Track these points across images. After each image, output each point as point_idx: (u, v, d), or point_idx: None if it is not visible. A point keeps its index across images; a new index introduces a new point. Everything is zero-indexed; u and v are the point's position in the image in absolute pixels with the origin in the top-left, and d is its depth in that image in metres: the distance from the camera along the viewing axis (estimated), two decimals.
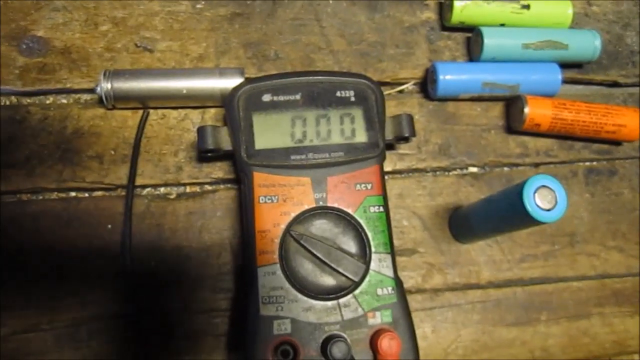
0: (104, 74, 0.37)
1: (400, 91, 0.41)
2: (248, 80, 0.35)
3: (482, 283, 0.38)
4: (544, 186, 0.29)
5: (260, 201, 0.33)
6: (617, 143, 0.42)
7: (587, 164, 0.42)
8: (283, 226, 0.32)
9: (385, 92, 0.41)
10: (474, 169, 0.40)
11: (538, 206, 0.28)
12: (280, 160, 0.33)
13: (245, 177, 0.33)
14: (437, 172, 0.40)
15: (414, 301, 0.37)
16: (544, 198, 0.29)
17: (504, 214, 0.32)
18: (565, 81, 0.42)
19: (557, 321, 0.38)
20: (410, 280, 0.38)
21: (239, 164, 0.34)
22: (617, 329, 0.39)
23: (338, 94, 0.35)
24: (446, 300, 0.38)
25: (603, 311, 0.39)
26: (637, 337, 0.39)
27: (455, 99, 0.41)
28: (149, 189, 0.37)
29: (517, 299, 0.38)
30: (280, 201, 0.33)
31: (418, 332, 0.36)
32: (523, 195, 0.28)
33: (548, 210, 0.28)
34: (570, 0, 0.43)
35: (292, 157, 0.34)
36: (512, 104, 0.41)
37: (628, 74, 0.44)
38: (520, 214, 0.29)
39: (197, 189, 0.38)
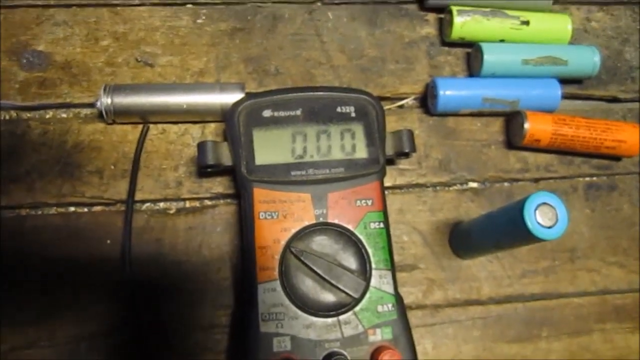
0: (104, 89, 0.37)
1: (401, 106, 0.41)
2: (248, 96, 0.35)
3: (483, 299, 0.38)
4: (545, 203, 0.29)
5: (261, 217, 0.32)
6: (616, 158, 0.42)
7: (587, 179, 0.42)
8: (283, 242, 0.32)
9: (386, 107, 0.41)
10: (474, 185, 0.40)
11: (539, 223, 0.28)
12: (281, 176, 0.33)
13: (245, 192, 0.33)
14: (438, 188, 0.40)
15: (414, 317, 0.37)
16: (544, 215, 0.28)
17: (505, 230, 0.32)
18: (565, 96, 0.42)
19: (558, 337, 0.38)
20: (410, 296, 0.38)
21: (239, 180, 0.34)
22: (619, 345, 0.39)
23: (338, 109, 0.35)
24: (447, 316, 0.38)
25: (604, 327, 0.39)
26: (638, 353, 0.38)
27: (456, 114, 0.41)
28: (148, 204, 0.37)
29: (518, 315, 0.38)
30: (281, 217, 0.33)
31: (418, 349, 0.36)
32: (524, 212, 0.28)
33: (549, 227, 0.28)
34: (570, 16, 0.43)
35: (293, 172, 0.34)
36: (512, 119, 0.41)
37: (627, 89, 0.44)
38: (521, 231, 0.29)
39: (197, 204, 0.38)
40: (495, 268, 0.39)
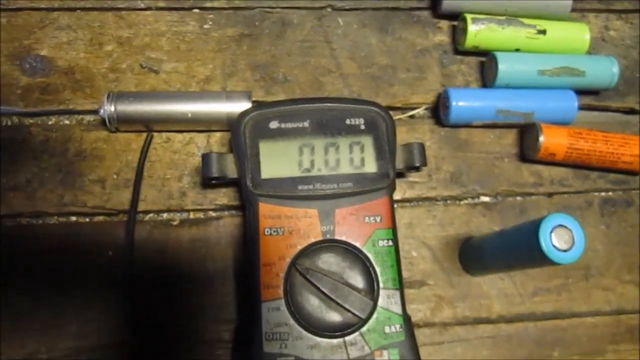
0: (108, 97, 0.36)
1: (412, 116, 0.40)
2: (255, 107, 0.34)
3: (493, 317, 0.37)
4: (561, 225, 0.28)
5: (266, 233, 0.32)
6: (634, 173, 0.41)
7: (603, 194, 0.41)
8: (289, 260, 0.31)
9: (396, 117, 0.40)
10: (486, 199, 0.39)
11: (555, 246, 0.27)
12: (287, 191, 0.32)
13: (250, 207, 0.32)
14: (448, 201, 0.39)
15: (422, 335, 0.36)
16: (560, 238, 0.27)
17: (518, 251, 0.31)
18: (581, 107, 0.41)
19: (571, 358, 0.37)
20: (418, 313, 0.37)
21: (244, 193, 0.33)
22: None
23: (347, 121, 0.34)
24: (455, 334, 0.37)
25: (618, 348, 0.38)
26: None
27: (468, 126, 0.40)
28: (151, 215, 0.36)
29: (529, 334, 0.37)
30: (287, 233, 0.32)
31: None
32: (539, 234, 0.27)
33: (565, 250, 0.27)
34: (587, 24, 0.42)
35: (300, 187, 0.33)
36: (526, 131, 0.40)
37: None
38: (536, 254, 0.28)
39: (201, 215, 0.37)
40: (507, 285, 0.38)
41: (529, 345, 0.37)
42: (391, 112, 0.38)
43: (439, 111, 0.40)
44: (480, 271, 0.37)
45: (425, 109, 0.41)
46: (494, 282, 0.38)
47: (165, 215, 0.37)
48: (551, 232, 0.27)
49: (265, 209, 0.32)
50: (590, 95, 0.42)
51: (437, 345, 0.36)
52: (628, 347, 0.38)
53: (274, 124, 0.34)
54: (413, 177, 0.39)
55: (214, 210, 0.37)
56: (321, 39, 0.41)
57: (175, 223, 0.36)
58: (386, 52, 0.41)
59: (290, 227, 0.32)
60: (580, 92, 0.41)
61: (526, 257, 0.30)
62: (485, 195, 0.39)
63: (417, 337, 0.34)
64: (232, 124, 0.34)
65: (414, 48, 0.42)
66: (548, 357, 0.37)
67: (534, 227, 0.28)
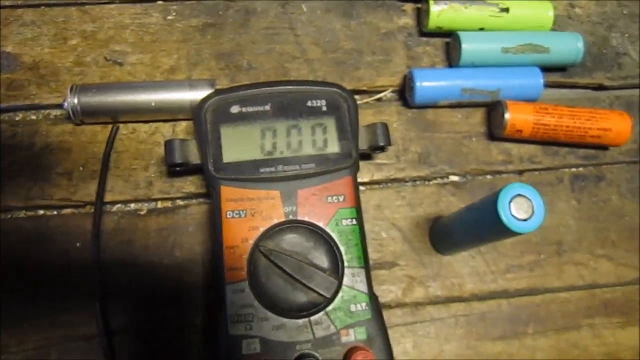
0: (71, 89, 0.36)
1: (379, 99, 0.40)
2: (216, 92, 0.34)
3: (466, 296, 0.37)
4: (520, 195, 0.27)
5: (228, 216, 0.32)
6: (603, 148, 0.41)
7: (573, 169, 0.40)
8: (252, 242, 0.31)
9: (363, 101, 0.40)
10: (455, 178, 0.39)
11: (514, 216, 0.27)
12: (249, 174, 0.32)
13: (213, 191, 0.32)
14: (417, 182, 0.39)
15: (394, 316, 0.36)
16: (519, 207, 0.27)
17: (482, 224, 0.31)
18: (549, 85, 0.41)
19: (545, 334, 0.37)
20: (390, 294, 0.36)
21: (207, 178, 0.33)
22: (608, 341, 0.37)
23: (309, 103, 0.34)
24: (428, 314, 0.36)
25: (593, 322, 0.37)
26: (628, 348, 0.37)
27: (435, 106, 0.40)
28: (119, 205, 0.36)
29: (502, 312, 0.37)
30: (249, 216, 0.32)
31: (399, 348, 0.35)
32: (498, 205, 0.27)
33: (525, 220, 0.27)
34: (553, 2, 0.42)
35: (262, 169, 0.33)
36: (492, 110, 0.40)
37: (614, 76, 0.43)
38: (497, 224, 0.28)
39: (168, 204, 0.37)
40: (478, 263, 0.38)
41: (503, 323, 0.37)
42: (358, 96, 0.39)
43: (405, 93, 0.40)
44: (450, 249, 0.37)
45: (392, 91, 0.41)
46: (465, 260, 0.37)
47: (132, 205, 0.37)
48: (510, 202, 0.27)
49: (228, 192, 0.32)
50: (558, 72, 0.42)
51: (410, 325, 0.36)
52: (603, 320, 0.37)
53: (235, 109, 0.34)
54: (381, 158, 0.39)
55: (181, 198, 0.37)
56: (285, 26, 0.41)
57: (142, 213, 0.36)
58: (351, 36, 0.41)
59: (253, 209, 0.32)
60: (548, 69, 0.41)
61: (490, 229, 0.30)
62: (454, 174, 0.39)
63: (389, 317, 0.34)
64: (193, 110, 0.34)
65: (379, 31, 0.42)
66: (522, 333, 0.37)
67: (494, 199, 0.28)
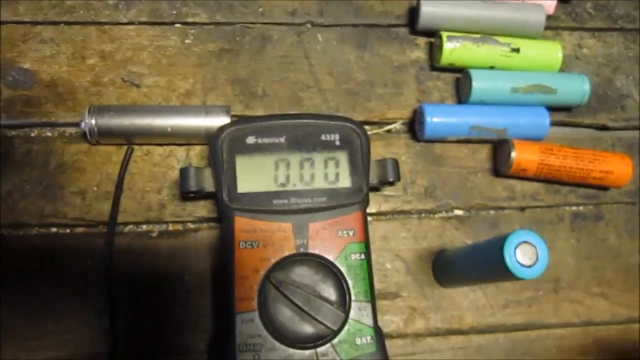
0: (89, 110, 0.36)
1: (388, 131, 0.41)
2: (232, 122, 0.35)
3: (465, 328, 0.38)
4: (525, 242, 0.29)
5: (241, 246, 0.32)
6: (604, 188, 0.42)
7: (574, 208, 0.42)
8: (263, 272, 0.32)
9: (373, 132, 0.41)
10: (459, 212, 0.40)
11: (519, 262, 0.28)
12: (263, 205, 0.33)
13: (226, 220, 0.33)
14: (423, 215, 0.40)
15: (394, 346, 0.37)
16: (525, 254, 0.28)
17: (486, 265, 0.32)
18: (554, 124, 0.42)
19: None
20: (391, 324, 0.37)
21: (221, 207, 0.34)
22: None
23: (323, 137, 0.35)
24: (427, 345, 0.37)
25: (586, 359, 0.39)
26: None
27: (443, 141, 0.41)
28: (131, 226, 0.37)
29: (499, 345, 0.38)
30: (261, 247, 0.32)
31: None
32: (504, 251, 0.28)
33: (529, 266, 0.28)
34: (561, 42, 0.43)
35: (275, 201, 0.33)
36: (499, 147, 0.41)
37: (617, 117, 0.44)
38: (501, 269, 0.29)
39: (179, 227, 0.37)
40: (478, 297, 0.39)
41: (499, 356, 0.38)
42: (368, 127, 0.40)
43: (414, 126, 0.41)
44: (452, 283, 0.38)
45: (402, 124, 0.41)
46: (465, 294, 0.38)
47: (144, 226, 0.37)
48: (516, 248, 0.28)
49: (241, 222, 0.33)
50: (563, 111, 0.44)
51: (410, 355, 0.37)
52: (597, 357, 0.39)
53: (250, 139, 0.34)
54: (388, 190, 0.40)
55: (193, 222, 0.38)
56: (300, 55, 0.42)
57: (154, 234, 0.37)
58: (364, 68, 0.42)
59: (265, 240, 0.32)
60: (554, 108, 0.42)
61: (493, 271, 0.31)
62: (458, 209, 0.40)
63: (390, 348, 0.34)
64: (210, 139, 0.35)
65: (392, 64, 0.43)
66: None
67: (500, 244, 0.29)
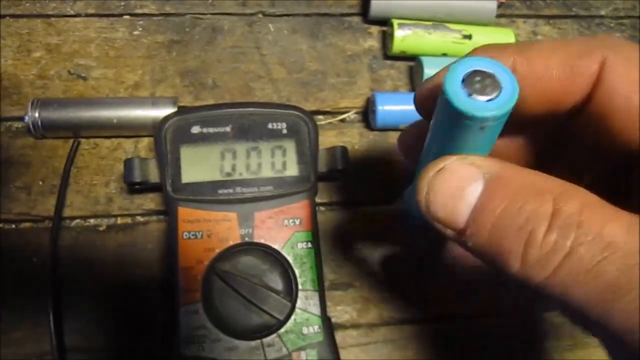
0: (32, 103, 0.36)
1: (342, 120, 0.41)
2: (176, 112, 0.34)
3: (419, 317, 0.38)
4: (477, 71, 0.18)
5: (184, 237, 0.32)
6: None
7: None
8: (207, 263, 0.31)
9: (326, 121, 0.40)
10: None
11: (471, 96, 0.18)
12: (207, 195, 0.33)
13: (170, 211, 0.33)
14: (376, 204, 0.39)
15: (349, 337, 0.36)
16: (480, 85, 0.18)
17: (440, 128, 0.21)
18: None
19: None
20: (345, 315, 0.37)
21: (165, 198, 0.33)
22: None
23: (270, 126, 0.35)
24: (382, 335, 0.37)
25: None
26: None
27: (396, 129, 0.41)
28: (78, 221, 0.36)
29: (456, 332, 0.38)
30: (205, 237, 0.32)
31: None
32: (446, 87, 0.18)
33: (490, 99, 0.18)
34: (516, 29, 0.43)
35: (220, 191, 0.33)
36: None
37: None
38: (454, 116, 0.19)
39: (128, 220, 0.37)
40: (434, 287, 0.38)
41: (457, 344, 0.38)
42: (321, 117, 0.39)
43: (368, 115, 0.41)
44: None
45: (355, 113, 0.41)
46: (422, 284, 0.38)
47: (92, 221, 0.37)
48: (463, 81, 0.18)
49: (184, 213, 0.32)
50: None
51: (364, 346, 0.37)
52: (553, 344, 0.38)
53: (195, 129, 0.34)
54: (341, 179, 0.39)
55: (142, 215, 0.37)
56: (251, 45, 0.41)
57: (102, 229, 0.36)
58: (316, 57, 0.42)
59: (209, 230, 0.32)
60: None
61: (450, 133, 0.20)
62: None
63: (344, 338, 0.34)
64: (154, 129, 0.34)
65: (344, 53, 0.42)
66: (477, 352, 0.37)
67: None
